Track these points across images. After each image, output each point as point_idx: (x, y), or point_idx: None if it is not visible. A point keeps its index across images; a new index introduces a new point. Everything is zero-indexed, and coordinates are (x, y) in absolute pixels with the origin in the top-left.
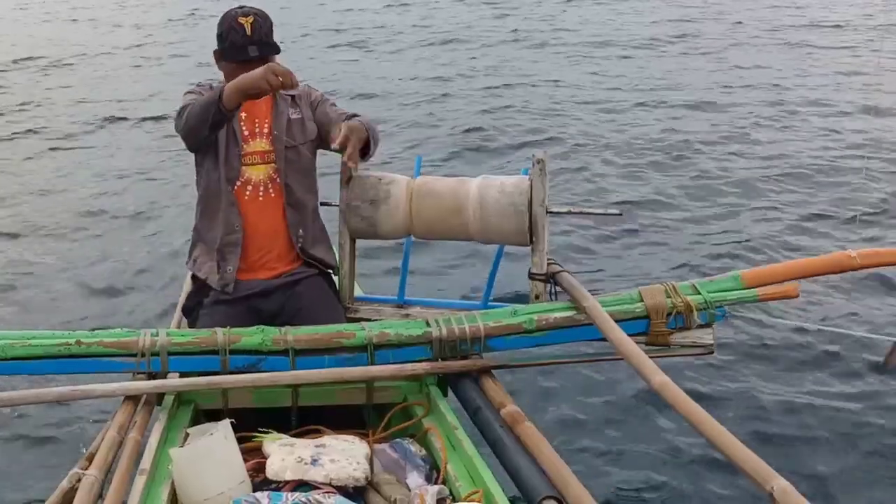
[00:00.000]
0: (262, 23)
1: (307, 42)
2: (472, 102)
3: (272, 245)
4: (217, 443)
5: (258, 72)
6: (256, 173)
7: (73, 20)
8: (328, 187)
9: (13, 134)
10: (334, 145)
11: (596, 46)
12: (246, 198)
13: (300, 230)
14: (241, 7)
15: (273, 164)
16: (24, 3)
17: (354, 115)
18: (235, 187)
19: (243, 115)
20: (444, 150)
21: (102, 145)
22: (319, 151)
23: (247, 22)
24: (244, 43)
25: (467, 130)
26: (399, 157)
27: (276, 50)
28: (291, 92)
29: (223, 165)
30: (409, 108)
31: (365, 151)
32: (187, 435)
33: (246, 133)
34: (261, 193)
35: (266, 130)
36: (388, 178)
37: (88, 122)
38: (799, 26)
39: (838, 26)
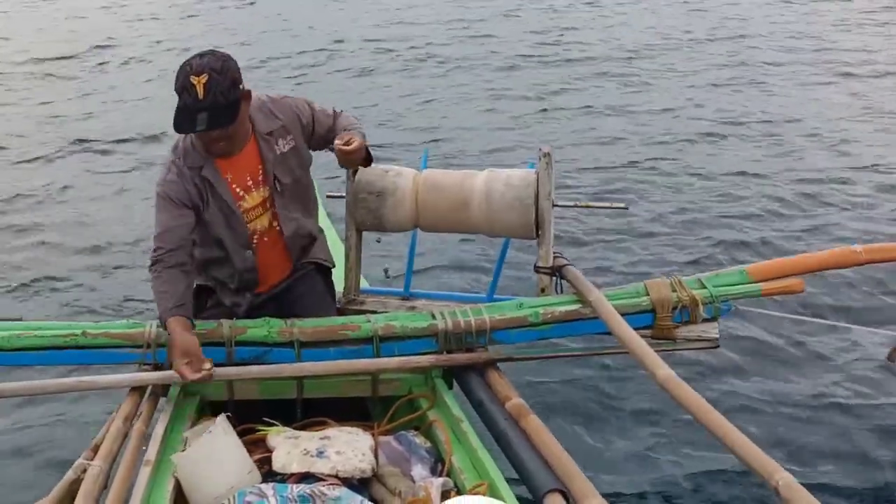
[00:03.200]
0: (219, 80)
1: (311, 35)
2: (479, 96)
3: (279, 271)
4: (216, 439)
5: (175, 355)
6: (261, 223)
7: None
8: (336, 178)
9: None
10: (339, 143)
11: (604, 42)
12: (258, 249)
13: (301, 251)
14: (201, 56)
15: (273, 209)
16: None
17: (342, 112)
18: (252, 246)
19: (228, 176)
20: (451, 143)
21: (119, 141)
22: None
23: (199, 82)
24: (195, 107)
25: (474, 123)
26: (406, 150)
27: (233, 114)
28: (274, 125)
29: (229, 234)
30: (416, 101)
31: (368, 161)
32: (186, 439)
33: (240, 193)
34: (266, 239)
35: (260, 178)
36: (394, 171)
37: (104, 115)
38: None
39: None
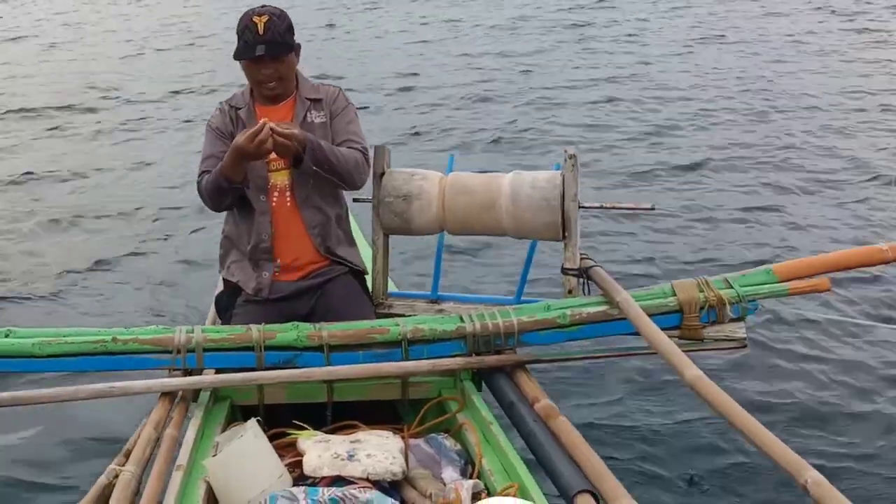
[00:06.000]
0: (278, 22)
1: (343, 34)
2: (504, 99)
3: (300, 249)
4: (248, 443)
5: (238, 139)
6: (281, 179)
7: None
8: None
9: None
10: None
11: (627, 42)
12: (274, 204)
13: (321, 231)
14: (263, 6)
15: (293, 169)
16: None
17: (354, 143)
18: (268, 196)
19: (262, 121)
20: (477, 146)
21: (144, 143)
22: None
23: (260, 21)
24: (254, 42)
25: (500, 126)
26: (431, 154)
27: (287, 49)
28: (315, 95)
29: (250, 175)
30: (443, 105)
31: (297, 159)
32: (217, 444)
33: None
34: (288, 199)
35: None
36: (420, 174)
37: (134, 119)
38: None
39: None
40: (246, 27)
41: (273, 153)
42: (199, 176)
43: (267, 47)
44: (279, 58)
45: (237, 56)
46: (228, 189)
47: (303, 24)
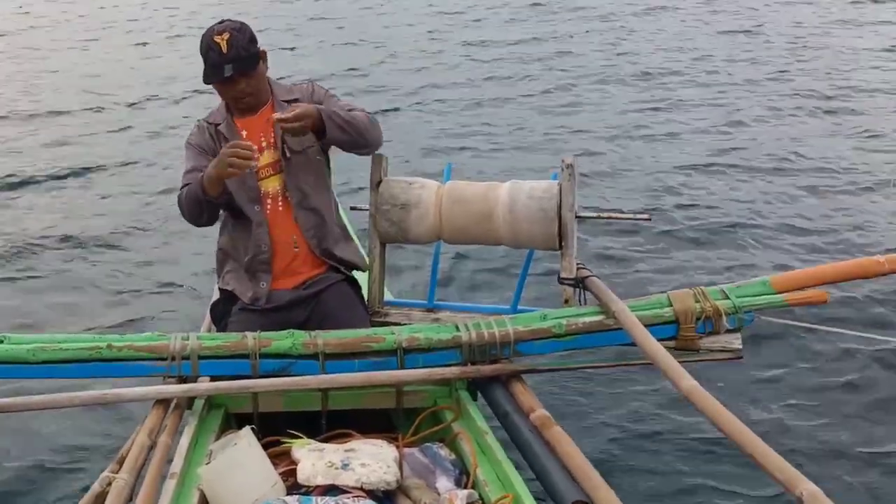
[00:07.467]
0: (240, 37)
1: (339, 40)
2: (504, 108)
3: (296, 253)
4: (242, 452)
5: (219, 159)
6: (272, 185)
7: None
8: (359, 191)
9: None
10: (277, 115)
11: (630, 59)
12: (268, 212)
13: (316, 233)
14: (221, 22)
15: (284, 173)
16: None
17: (351, 108)
18: (262, 206)
19: (244, 133)
20: (474, 155)
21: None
22: (333, 149)
23: (222, 40)
24: (220, 62)
25: (497, 134)
26: (429, 163)
27: (255, 61)
28: (290, 96)
29: (241, 187)
30: (440, 114)
31: (320, 131)
32: (211, 452)
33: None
34: (280, 205)
35: (272, 140)
36: (418, 183)
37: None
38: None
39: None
40: (209, 48)
41: (256, 164)
42: (181, 189)
43: (234, 65)
44: (248, 72)
45: (206, 80)
46: (204, 202)
47: (305, 28)
